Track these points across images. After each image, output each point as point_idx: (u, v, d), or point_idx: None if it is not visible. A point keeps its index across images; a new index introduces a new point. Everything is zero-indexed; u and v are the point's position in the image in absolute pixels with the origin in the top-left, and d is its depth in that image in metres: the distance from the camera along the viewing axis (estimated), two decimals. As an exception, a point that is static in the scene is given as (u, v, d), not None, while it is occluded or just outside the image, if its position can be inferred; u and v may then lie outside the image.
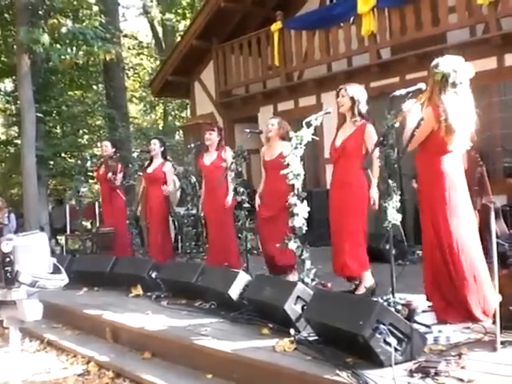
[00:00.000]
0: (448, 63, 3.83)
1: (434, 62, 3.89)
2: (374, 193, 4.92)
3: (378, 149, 4.34)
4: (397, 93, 4.21)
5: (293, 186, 4.61)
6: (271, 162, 5.88)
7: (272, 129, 5.93)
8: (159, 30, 24.18)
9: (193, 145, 8.20)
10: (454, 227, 3.85)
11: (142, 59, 24.98)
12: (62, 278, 2.74)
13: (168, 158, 7.75)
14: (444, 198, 3.86)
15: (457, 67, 3.82)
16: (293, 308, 4.00)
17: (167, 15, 22.57)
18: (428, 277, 4.01)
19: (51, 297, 5.30)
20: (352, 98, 4.98)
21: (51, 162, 14.73)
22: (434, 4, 8.45)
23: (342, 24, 9.73)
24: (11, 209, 14.49)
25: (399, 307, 4.02)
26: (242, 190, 6.22)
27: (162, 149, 7.58)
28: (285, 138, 5.71)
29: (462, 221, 3.89)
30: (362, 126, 4.97)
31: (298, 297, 4.05)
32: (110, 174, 8.05)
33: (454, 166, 3.91)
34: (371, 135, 4.92)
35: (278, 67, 10.76)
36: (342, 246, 4.96)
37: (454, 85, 3.80)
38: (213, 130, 6.87)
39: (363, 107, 5.01)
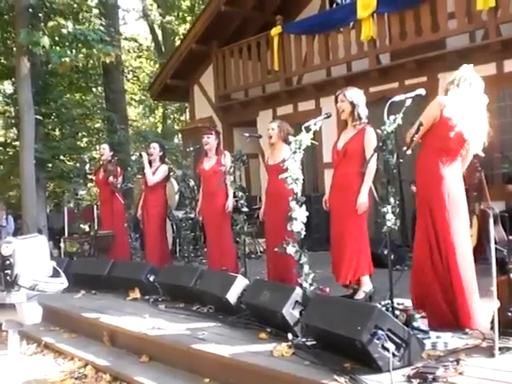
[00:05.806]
0: (466, 68, 4.00)
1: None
2: (362, 198, 4.84)
3: (375, 154, 4.34)
4: (396, 98, 4.22)
5: (291, 190, 4.60)
6: (274, 166, 5.75)
7: (273, 134, 5.84)
8: (159, 33, 24.23)
9: (191, 148, 8.20)
10: (453, 231, 3.85)
11: (141, 62, 25.04)
12: (62, 282, 2.75)
13: (166, 161, 7.75)
14: (443, 201, 3.86)
15: (474, 74, 3.97)
16: (291, 313, 4.01)
17: (167, 18, 22.61)
18: (421, 283, 3.99)
19: (49, 300, 5.28)
20: (352, 103, 4.97)
21: (50, 165, 14.70)
22: (434, 10, 8.46)
23: (341, 29, 9.72)
24: (9, 211, 14.50)
25: (397, 312, 4.02)
26: (240, 194, 6.21)
27: (161, 153, 7.59)
28: (287, 140, 5.54)
29: (462, 225, 3.90)
30: (363, 129, 4.95)
31: (296, 301, 4.06)
32: (111, 178, 8.06)
33: (453, 169, 3.91)
34: (371, 139, 4.89)
35: (278, 71, 10.75)
36: (344, 253, 4.92)
37: (470, 85, 3.91)
38: (210, 133, 6.80)
39: (362, 111, 5.01)
